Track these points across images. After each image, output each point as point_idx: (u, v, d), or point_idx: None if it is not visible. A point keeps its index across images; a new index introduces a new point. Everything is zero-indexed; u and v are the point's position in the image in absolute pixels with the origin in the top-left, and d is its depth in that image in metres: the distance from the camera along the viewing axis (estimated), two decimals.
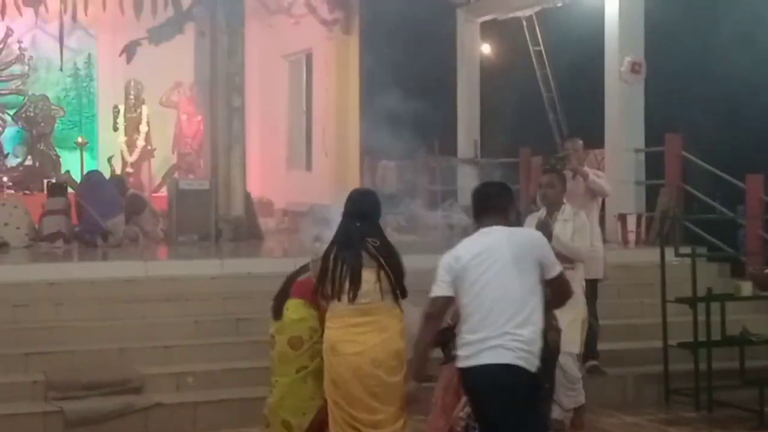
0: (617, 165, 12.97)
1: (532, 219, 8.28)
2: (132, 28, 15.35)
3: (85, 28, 18.41)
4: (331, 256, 5.92)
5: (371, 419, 5.81)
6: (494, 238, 5.21)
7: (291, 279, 6.43)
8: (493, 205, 5.38)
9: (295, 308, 6.26)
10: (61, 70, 17.97)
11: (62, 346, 8.74)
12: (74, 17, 16.24)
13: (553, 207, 8.14)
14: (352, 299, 5.83)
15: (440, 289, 5.18)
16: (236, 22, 13.85)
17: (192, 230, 13.32)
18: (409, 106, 12.02)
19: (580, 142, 9.74)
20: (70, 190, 13.47)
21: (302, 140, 18.65)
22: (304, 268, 6.43)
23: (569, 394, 8.02)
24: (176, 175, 17.02)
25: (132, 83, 18.10)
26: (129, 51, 14.73)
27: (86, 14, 16.10)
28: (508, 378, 4.98)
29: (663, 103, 13.18)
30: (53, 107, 18.29)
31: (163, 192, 16.21)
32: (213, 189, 13.59)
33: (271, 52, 18.58)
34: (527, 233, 5.74)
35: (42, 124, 18.05)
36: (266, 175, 18.50)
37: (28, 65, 18.31)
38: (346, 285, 5.83)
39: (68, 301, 9.38)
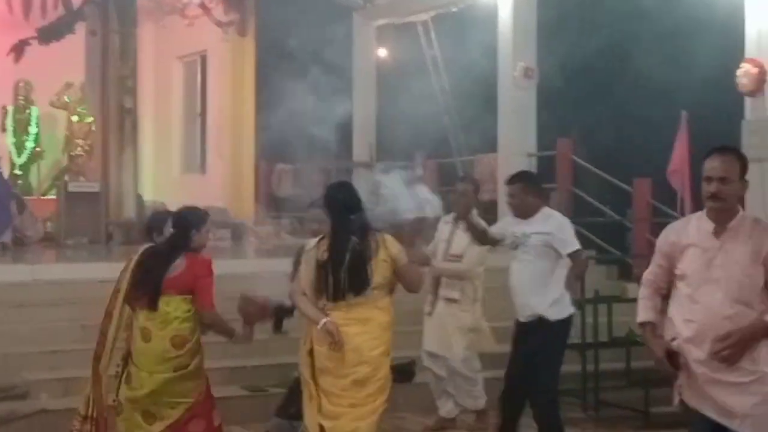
0: (510, 169, 12.87)
1: (442, 222, 8.37)
2: (21, 27, 15.02)
3: None
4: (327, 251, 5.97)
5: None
6: None
7: (158, 271, 6.24)
8: None
9: (177, 305, 6.15)
10: None
11: None
12: None
13: (461, 216, 8.17)
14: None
15: None
16: (128, 22, 13.66)
17: (81, 233, 13.11)
18: (305, 109, 11.98)
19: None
20: None
21: (197, 143, 18.48)
22: (161, 256, 6.30)
23: (463, 394, 8.24)
24: (66, 177, 16.69)
25: (21, 84, 17.69)
26: (17, 51, 14.39)
27: None
28: None
29: (554, 108, 13.39)
30: None
31: (53, 195, 15.89)
32: (103, 192, 13.40)
33: (166, 54, 18.36)
34: None
35: None
36: (159, 178, 18.27)
37: None
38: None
39: None
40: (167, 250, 6.30)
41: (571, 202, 12.73)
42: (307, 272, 6.03)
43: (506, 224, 7.60)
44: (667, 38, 12.31)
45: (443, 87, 16.19)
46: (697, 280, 4.83)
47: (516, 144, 13.31)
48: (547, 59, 13.24)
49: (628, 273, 11.46)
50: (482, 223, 7.80)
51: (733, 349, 4.66)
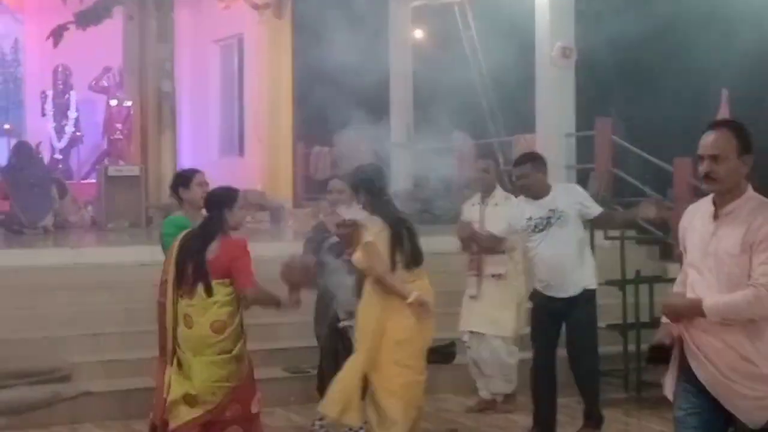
0: (548, 149, 12.93)
1: (468, 205, 8.37)
2: (59, 12, 15.11)
3: (12, 13, 18.09)
4: (392, 228, 6.31)
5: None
6: None
7: (196, 256, 6.09)
8: None
9: (215, 290, 6.05)
10: None
11: None
12: None
13: (487, 193, 8.24)
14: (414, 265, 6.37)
15: None
16: (165, 6, 13.73)
17: (122, 217, 13.21)
18: (342, 91, 11.96)
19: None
20: None
21: (234, 126, 18.52)
22: (197, 240, 6.18)
23: (497, 379, 8.22)
24: (106, 161, 16.83)
25: (60, 68, 17.84)
26: (56, 35, 14.49)
27: None
28: None
29: (593, 87, 13.28)
30: None
31: (93, 179, 16.01)
32: (143, 175, 13.48)
33: (203, 37, 18.42)
34: None
35: None
36: (198, 161, 18.30)
37: None
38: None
39: None
40: (202, 233, 6.21)
41: (610, 182, 12.63)
42: (384, 250, 6.27)
43: (514, 215, 7.38)
44: (707, 15, 12.16)
45: (480, 68, 16.12)
46: (695, 267, 4.39)
47: (554, 124, 13.23)
48: (585, 38, 13.12)
49: (669, 253, 11.35)
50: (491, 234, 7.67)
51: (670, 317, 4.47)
